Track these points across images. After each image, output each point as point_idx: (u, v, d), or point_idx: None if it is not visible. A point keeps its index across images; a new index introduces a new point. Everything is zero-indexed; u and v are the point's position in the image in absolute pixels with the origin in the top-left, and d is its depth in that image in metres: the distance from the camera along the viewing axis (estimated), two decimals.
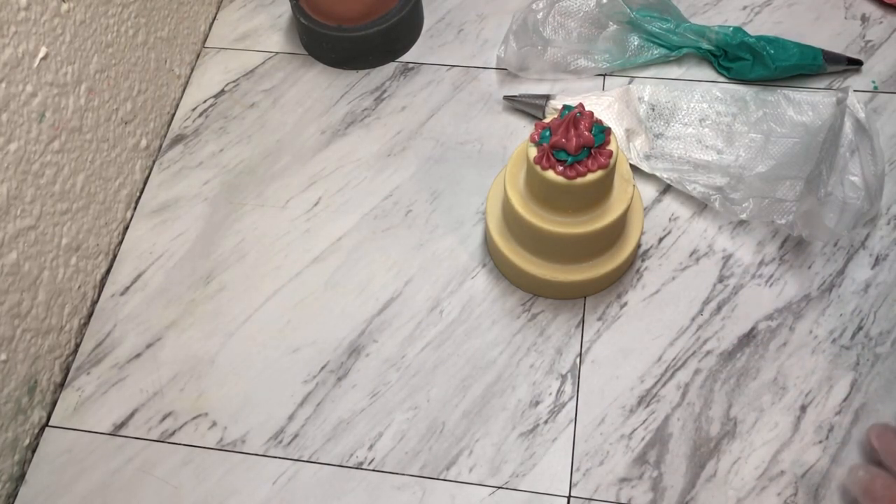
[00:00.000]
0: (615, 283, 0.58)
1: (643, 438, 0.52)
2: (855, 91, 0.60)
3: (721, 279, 0.58)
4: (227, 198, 0.65)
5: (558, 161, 0.49)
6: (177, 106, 0.70)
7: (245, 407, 0.55)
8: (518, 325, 0.57)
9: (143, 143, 0.66)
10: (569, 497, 0.51)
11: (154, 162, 0.67)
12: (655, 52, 0.67)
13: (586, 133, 0.48)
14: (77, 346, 0.59)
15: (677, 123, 0.64)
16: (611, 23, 0.68)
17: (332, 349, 0.57)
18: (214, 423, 0.55)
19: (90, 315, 0.60)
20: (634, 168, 0.62)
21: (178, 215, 0.64)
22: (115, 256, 0.63)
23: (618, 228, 0.55)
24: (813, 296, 0.57)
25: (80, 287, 0.59)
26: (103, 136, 0.61)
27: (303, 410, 0.55)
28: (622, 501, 0.51)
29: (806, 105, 0.64)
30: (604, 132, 0.49)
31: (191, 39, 0.72)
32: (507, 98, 0.67)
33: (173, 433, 0.55)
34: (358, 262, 0.61)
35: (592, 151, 0.49)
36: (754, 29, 0.68)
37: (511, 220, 0.55)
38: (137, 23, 0.64)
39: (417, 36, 0.72)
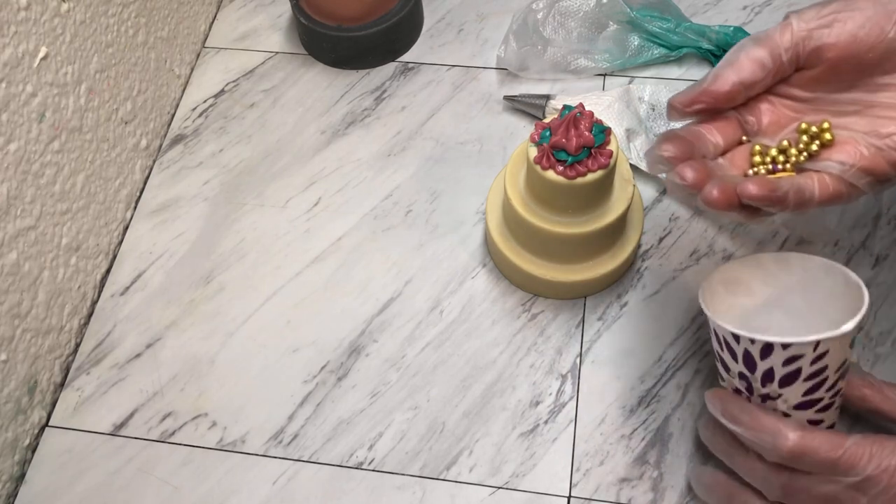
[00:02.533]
0: (615, 283, 0.58)
1: (643, 438, 0.52)
2: None
3: None
4: (227, 198, 0.65)
5: (558, 161, 0.49)
6: (177, 106, 0.70)
7: (245, 407, 0.55)
8: (518, 325, 0.57)
9: (143, 143, 0.66)
10: (569, 497, 0.51)
11: (154, 162, 0.67)
12: (656, 51, 0.67)
13: (586, 133, 0.48)
14: (77, 346, 0.59)
15: None
16: (611, 22, 0.68)
17: (332, 349, 0.57)
18: (214, 423, 0.55)
19: (90, 315, 0.60)
20: (634, 168, 0.62)
21: (178, 215, 0.64)
22: (115, 256, 0.63)
23: (618, 228, 0.55)
24: None
25: (80, 287, 0.59)
26: (103, 136, 0.61)
27: (303, 410, 0.55)
28: (622, 501, 0.50)
29: None
30: (604, 132, 0.49)
31: (191, 39, 0.72)
32: (507, 98, 0.67)
33: (173, 433, 0.55)
34: (358, 262, 0.61)
35: (592, 151, 0.49)
36: (755, 29, 0.68)
37: (511, 220, 0.55)
38: (137, 23, 0.64)
39: (417, 36, 0.72)
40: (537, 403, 0.54)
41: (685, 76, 0.68)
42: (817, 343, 0.41)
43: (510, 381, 0.55)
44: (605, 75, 0.68)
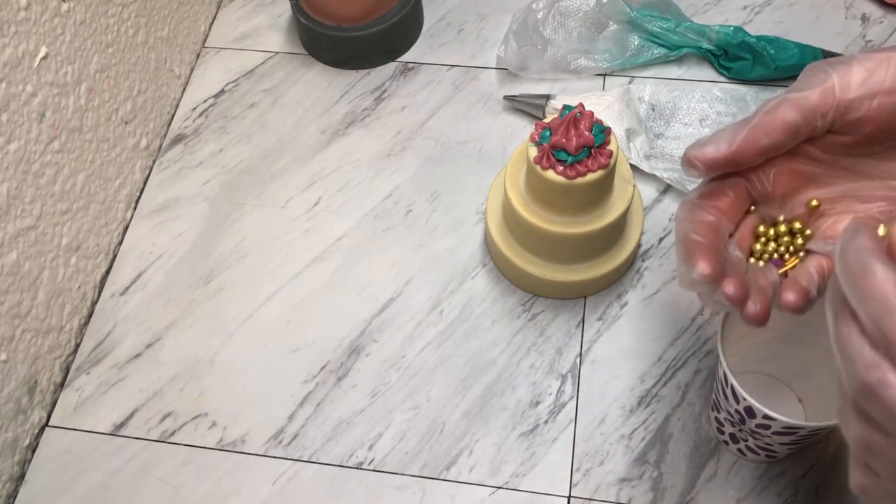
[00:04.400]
0: (615, 283, 0.58)
1: (643, 438, 0.52)
2: None
3: None
4: (227, 198, 0.65)
5: (558, 161, 0.49)
6: (177, 106, 0.70)
7: (245, 407, 0.55)
8: (518, 325, 0.57)
9: (143, 142, 0.66)
10: (569, 497, 0.51)
11: (154, 162, 0.67)
12: (656, 51, 0.67)
13: (586, 133, 0.48)
14: (77, 346, 0.59)
15: (677, 123, 0.64)
16: (611, 22, 0.68)
17: (332, 349, 0.57)
18: (214, 423, 0.55)
19: (90, 315, 0.60)
20: (634, 168, 0.62)
21: (178, 215, 0.64)
22: (115, 256, 0.63)
23: (618, 228, 0.55)
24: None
25: (80, 287, 0.59)
26: (103, 136, 0.61)
27: (303, 410, 0.55)
28: (622, 501, 0.50)
29: None
30: (604, 132, 0.49)
31: (191, 39, 0.72)
32: (507, 98, 0.67)
33: (173, 433, 0.55)
34: (358, 262, 0.61)
35: (592, 151, 0.49)
36: (755, 29, 0.68)
37: (511, 220, 0.55)
38: (137, 22, 0.64)
39: (417, 36, 0.72)
40: (537, 403, 0.54)
41: (685, 76, 0.68)
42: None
43: (510, 381, 0.55)
44: (605, 75, 0.68)
